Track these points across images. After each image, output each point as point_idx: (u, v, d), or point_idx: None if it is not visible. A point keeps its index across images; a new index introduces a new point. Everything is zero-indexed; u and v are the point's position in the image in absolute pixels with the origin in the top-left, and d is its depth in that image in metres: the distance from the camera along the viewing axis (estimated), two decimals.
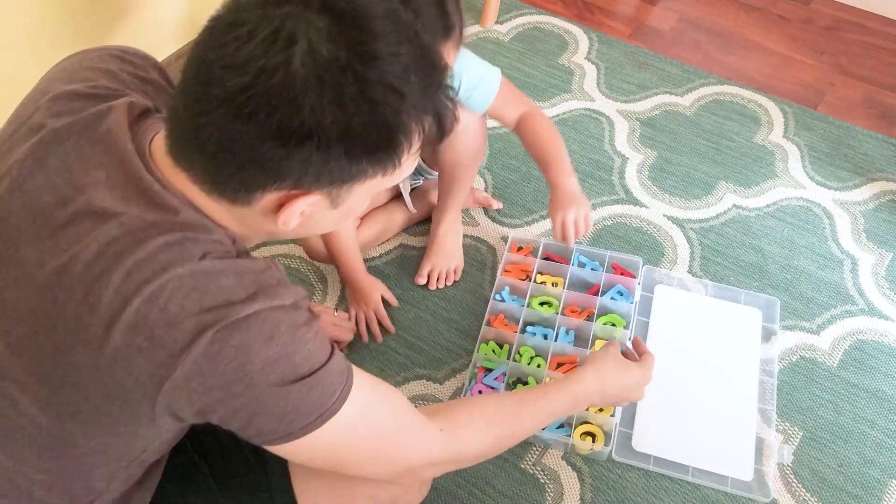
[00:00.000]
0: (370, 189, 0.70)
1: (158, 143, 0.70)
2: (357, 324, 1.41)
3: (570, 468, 1.26)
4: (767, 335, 1.40)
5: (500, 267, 1.48)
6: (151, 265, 0.64)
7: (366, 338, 1.41)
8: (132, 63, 0.80)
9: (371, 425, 0.76)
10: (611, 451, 1.25)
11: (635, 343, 1.12)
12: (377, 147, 0.65)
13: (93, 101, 0.72)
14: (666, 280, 1.47)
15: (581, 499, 1.23)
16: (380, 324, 1.42)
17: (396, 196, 1.55)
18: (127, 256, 0.64)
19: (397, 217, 1.55)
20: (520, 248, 1.52)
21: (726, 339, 1.40)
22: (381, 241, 1.55)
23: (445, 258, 1.49)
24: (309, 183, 0.65)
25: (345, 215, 0.73)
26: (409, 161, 0.70)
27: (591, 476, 1.25)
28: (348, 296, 1.45)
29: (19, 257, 0.67)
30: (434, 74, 0.67)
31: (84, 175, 0.68)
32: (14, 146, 0.72)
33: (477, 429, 0.88)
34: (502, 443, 0.91)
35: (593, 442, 1.25)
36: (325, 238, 1.37)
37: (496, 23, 2.07)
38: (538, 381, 1.32)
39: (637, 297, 1.43)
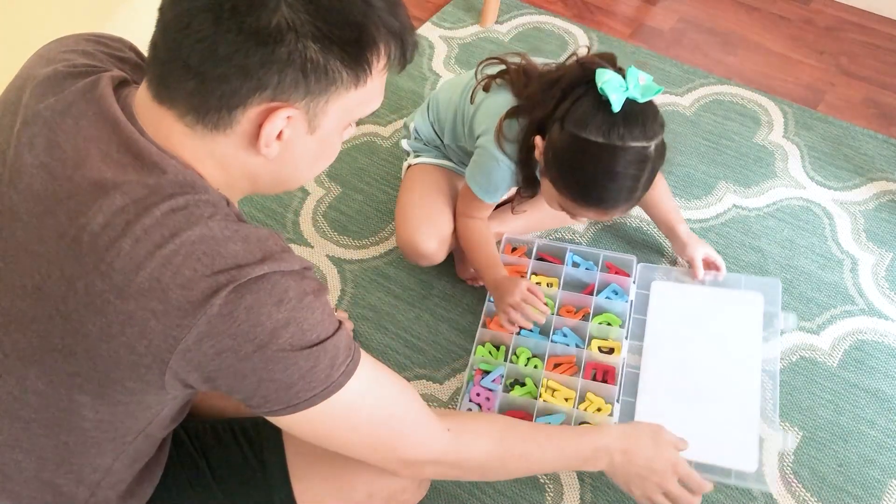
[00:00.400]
0: (345, 110, 0.72)
1: (141, 98, 0.71)
2: (513, 320, 1.30)
3: None
4: (770, 319, 1.38)
5: None
6: (161, 230, 0.65)
7: (529, 324, 1.32)
8: (107, 45, 0.82)
9: (375, 407, 0.78)
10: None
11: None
12: (349, 43, 0.67)
13: (72, 79, 0.74)
14: (663, 275, 1.47)
15: (581, 499, 1.23)
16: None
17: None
18: (135, 224, 0.65)
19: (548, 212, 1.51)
20: (514, 249, 1.52)
21: (728, 326, 1.38)
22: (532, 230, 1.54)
23: (703, 245, 1.46)
24: (288, 92, 0.66)
25: (322, 149, 0.75)
26: (379, 82, 0.73)
27: (591, 476, 1.25)
28: (495, 302, 1.35)
29: (16, 238, 0.68)
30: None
31: (75, 150, 0.69)
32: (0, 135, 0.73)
33: (485, 439, 0.89)
34: (509, 464, 0.91)
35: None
36: (467, 248, 1.38)
37: (496, 23, 2.07)
38: (536, 383, 1.31)
39: (632, 296, 1.43)
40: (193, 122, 0.68)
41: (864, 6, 2.11)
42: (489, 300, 1.42)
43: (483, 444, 0.88)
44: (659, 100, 1.84)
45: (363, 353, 0.77)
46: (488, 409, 1.28)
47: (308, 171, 0.78)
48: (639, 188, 1.14)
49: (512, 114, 1.23)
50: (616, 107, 1.09)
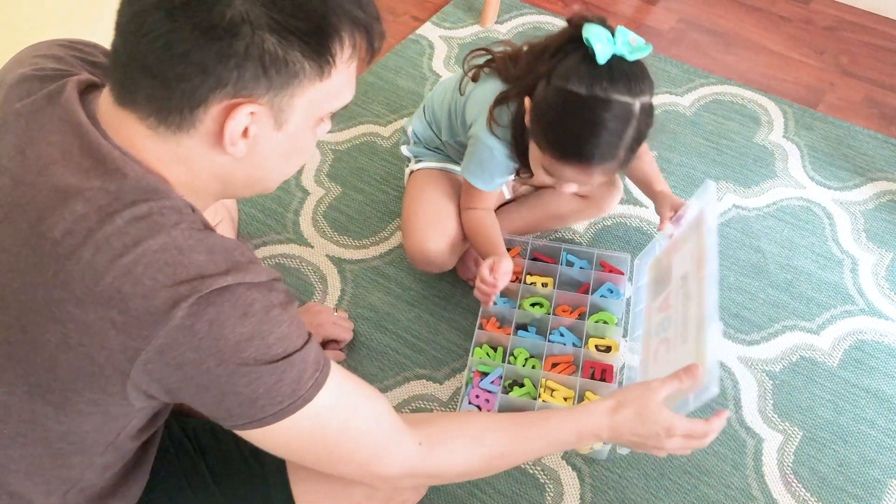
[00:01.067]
0: (313, 104, 0.70)
1: (104, 102, 0.70)
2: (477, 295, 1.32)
3: (570, 468, 1.26)
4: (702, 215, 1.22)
5: None
6: (123, 239, 0.64)
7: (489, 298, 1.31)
8: (80, 49, 0.81)
9: (344, 422, 0.76)
10: (610, 450, 1.25)
11: (716, 415, 0.94)
12: (309, 34, 0.65)
13: (40, 83, 0.73)
14: (649, 254, 1.40)
15: (581, 499, 1.23)
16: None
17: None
18: (97, 232, 0.64)
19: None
20: (508, 250, 1.51)
21: (686, 261, 1.20)
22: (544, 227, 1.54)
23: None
24: (249, 87, 0.65)
25: (292, 146, 0.73)
26: (346, 74, 0.70)
27: (591, 476, 1.25)
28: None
29: None
30: None
31: (39, 155, 0.68)
32: None
33: (460, 446, 0.86)
34: (494, 463, 0.88)
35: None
36: (471, 238, 1.37)
37: (496, 23, 2.07)
38: (534, 383, 1.31)
39: (627, 294, 1.43)
40: (156, 124, 0.67)
41: (864, 6, 2.11)
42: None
43: (459, 454, 0.85)
44: (659, 100, 1.85)
45: (333, 366, 0.75)
46: (488, 410, 1.28)
47: (280, 170, 0.76)
48: (621, 146, 1.11)
49: (501, 100, 1.23)
50: (601, 59, 1.07)
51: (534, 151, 1.21)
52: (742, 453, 1.28)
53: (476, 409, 1.28)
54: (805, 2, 2.15)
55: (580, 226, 1.59)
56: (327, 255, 1.56)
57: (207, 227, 0.70)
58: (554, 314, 1.40)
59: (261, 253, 1.55)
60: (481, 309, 1.41)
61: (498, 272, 1.27)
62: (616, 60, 1.08)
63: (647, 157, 1.42)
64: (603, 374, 1.32)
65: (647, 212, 1.62)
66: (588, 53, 1.09)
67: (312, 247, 1.57)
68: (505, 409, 1.28)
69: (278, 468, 0.92)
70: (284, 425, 0.71)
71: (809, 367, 1.38)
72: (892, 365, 1.39)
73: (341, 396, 0.75)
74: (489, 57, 1.29)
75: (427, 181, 1.45)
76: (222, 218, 1.31)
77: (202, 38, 0.62)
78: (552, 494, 1.23)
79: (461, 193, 1.42)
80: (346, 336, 1.39)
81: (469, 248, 1.47)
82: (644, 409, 0.93)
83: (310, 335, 0.73)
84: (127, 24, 0.65)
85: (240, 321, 0.65)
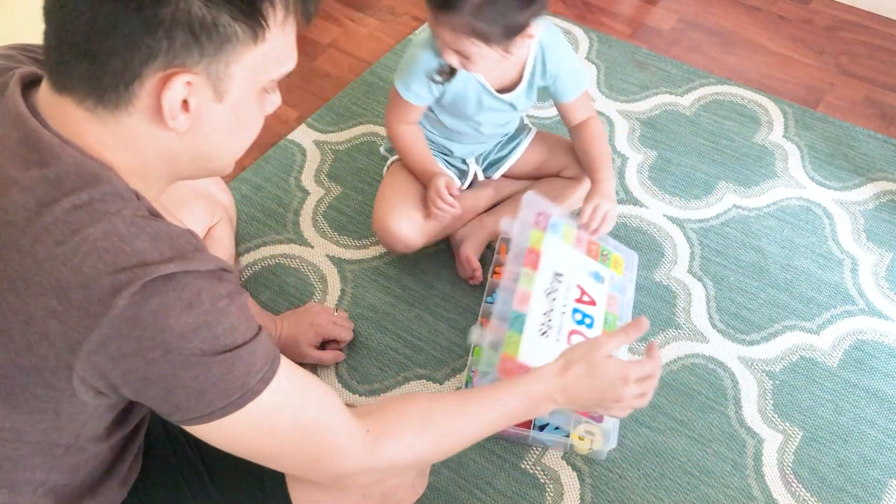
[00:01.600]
0: (252, 72, 0.68)
1: (42, 91, 0.69)
2: (432, 215, 1.41)
3: (570, 468, 1.26)
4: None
5: (490, 269, 1.47)
6: (62, 228, 0.63)
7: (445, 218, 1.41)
8: (32, 51, 0.80)
9: (293, 416, 0.74)
10: (609, 450, 1.25)
11: (648, 348, 0.96)
12: None
13: None
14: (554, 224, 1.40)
15: (581, 499, 1.23)
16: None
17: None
18: (35, 222, 0.63)
19: (480, 198, 1.55)
20: (507, 251, 1.50)
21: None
22: (449, 231, 1.53)
23: (607, 200, 1.40)
24: (181, 56, 0.64)
25: (238, 118, 0.71)
26: (283, 38, 0.69)
27: (591, 476, 1.25)
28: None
29: None
30: None
31: None
32: None
33: (407, 432, 0.83)
34: (446, 442, 0.86)
35: (592, 442, 1.25)
36: (401, 154, 1.44)
37: None
38: None
39: (630, 294, 1.41)
40: (94, 105, 0.66)
41: (864, 6, 2.11)
42: (486, 301, 1.42)
43: (406, 439, 0.83)
44: (659, 100, 1.85)
45: (283, 360, 0.73)
46: None
47: (227, 145, 0.74)
48: None
49: None
50: None
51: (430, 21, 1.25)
52: (742, 453, 1.28)
53: None
54: (805, 2, 2.15)
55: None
56: (327, 255, 1.56)
57: (154, 215, 0.68)
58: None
59: (261, 253, 1.55)
60: (481, 308, 1.41)
61: (454, 190, 1.36)
62: None
63: (599, 130, 1.46)
64: None
65: (646, 212, 1.63)
66: None
67: (312, 247, 1.57)
68: None
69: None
70: (234, 419, 0.69)
71: (809, 367, 1.38)
72: (892, 365, 1.39)
73: (291, 390, 0.74)
74: None
75: (400, 169, 1.49)
76: (220, 218, 1.31)
77: (126, 9, 0.61)
78: (552, 494, 1.23)
79: (387, 106, 1.46)
80: (347, 336, 1.39)
81: (464, 246, 1.47)
82: (592, 363, 0.91)
83: (260, 328, 0.71)
84: (52, 6, 0.64)
85: (185, 311, 0.64)
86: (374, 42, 2.04)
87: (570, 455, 1.27)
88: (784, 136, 1.78)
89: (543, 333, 1.23)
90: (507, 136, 1.54)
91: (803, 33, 2.06)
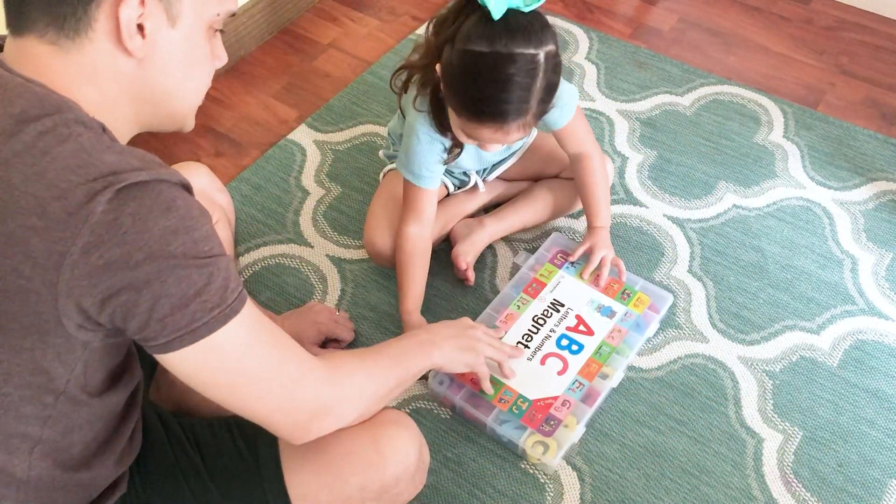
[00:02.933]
0: (202, 2, 0.72)
1: (6, 44, 0.72)
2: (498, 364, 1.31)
3: (570, 468, 1.26)
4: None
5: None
6: (31, 151, 0.65)
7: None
8: None
9: (267, 338, 0.78)
10: (558, 463, 1.24)
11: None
12: None
13: None
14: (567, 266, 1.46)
15: (581, 499, 1.23)
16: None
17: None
18: (4, 151, 0.65)
19: (463, 206, 1.54)
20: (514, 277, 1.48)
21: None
22: (446, 231, 1.53)
23: (609, 249, 1.44)
24: None
25: (191, 51, 0.75)
26: None
27: (591, 476, 1.25)
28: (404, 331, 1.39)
29: None
30: None
31: None
32: None
33: (355, 363, 0.92)
34: (382, 376, 0.95)
35: (544, 452, 1.23)
36: (402, 263, 1.36)
37: None
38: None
39: (650, 333, 1.39)
40: (55, 36, 0.69)
41: (864, 6, 2.11)
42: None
43: (356, 373, 0.91)
44: (659, 100, 1.85)
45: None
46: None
47: (184, 77, 0.76)
48: (531, 98, 1.12)
49: (409, 79, 1.25)
50: (496, 14, 1.06)
51: (452, 118, 1.22)
52: (742, 453, 1.28)
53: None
54: (805, 2, 2.15)
55: (580, 225, 1.59)
56: (327, 255, 1.56)
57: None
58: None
59: (261, 253, 1.55)
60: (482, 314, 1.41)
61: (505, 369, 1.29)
62: (512, 14, 1.08)
63: (600, 175, 1.43)
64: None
65: (646, 212, 1.63)
66: (485, 12, 1.09)
67: (312, 247, 1.57)
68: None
69: (273, 461, 0.93)
70: (215, 339, 0.71)
71: (809, 367, 1.38)
72: (892, 365, 1.39)
73: (260, 316, 0.77)
74: (406, 73, 1.29)
75: (395, 181, 1.46)
76: (219, 219, 1.31)
77: None
78: (552, 494, 1.23)
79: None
80: (348, 336, 1.39)
81: (458, 246, 1.48)
82: (452, 323, 1.18)
83: (226, 254, 0.73)
84: None
85: (163, 214, 0.66)
86: (374, 42, 2.04)
87: (570, 455, 1.27)
88: (784, 136, 1.78)
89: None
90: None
91: (803, 33, 2.06)
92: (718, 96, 1.87)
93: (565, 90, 1.32)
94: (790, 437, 1.30)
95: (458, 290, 1.50)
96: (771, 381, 1.36)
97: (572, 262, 1.46)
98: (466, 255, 1.47)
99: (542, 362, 1.31)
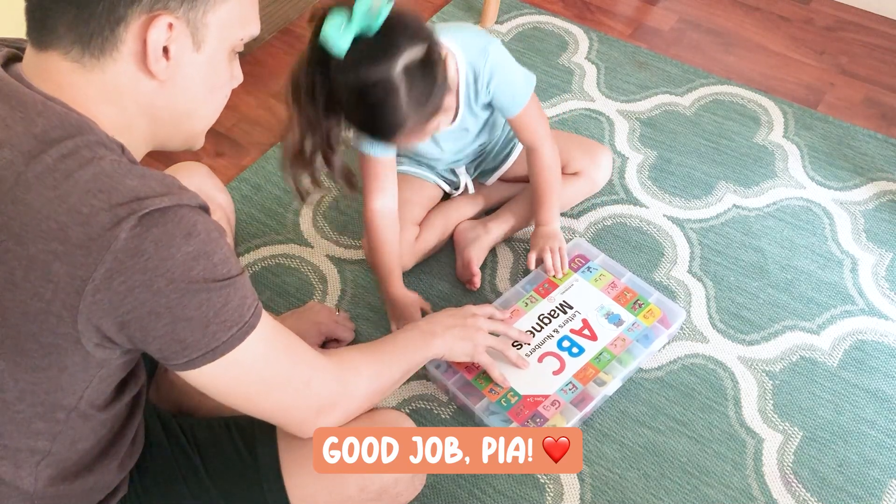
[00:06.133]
0: (225, 27, 0.73)
1: (26, 57, 0.72)
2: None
3: None
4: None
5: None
6: (53, 175, 0.65)
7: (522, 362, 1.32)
8: (7, 40, 0.82)
9: (281, 345, 0.80)
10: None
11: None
12: None
13: None
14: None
15: (581, 499, 1.23)
16: None
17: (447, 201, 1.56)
18: (26, 173, 0.65)
19: (463, 210, 1.54)
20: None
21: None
22: (447, 234, 1.53)
23: (552, 239, 1.45)
24: (164, 1, 0.68)
25: (213, 74, 0.75)
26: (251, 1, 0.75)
27: (591, 476, 1.25)
28: (388, 313, 1.43)
29: None
30: None
31: None
32: None
33: (360, 360, 0.95)
34: (387, 372, 0.98)
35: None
36: (373, 246, 1.36)
37: (496, 23, 2.07)
38: None
39: (658, 347, 1.38)
40: (80, 54, 0.69)
41: (864, 6, 2.11)
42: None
43: (362, 370, 0.93)
44: (659, 100, 1.85)
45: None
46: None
47: (204, 100, 0.77)
48: (400, 112, 1.06)
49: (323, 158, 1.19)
50: (340, 53, 1.00)
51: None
52: (742, 453, 1.28)
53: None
54: (805, 2, 2.15)
55: (580, 225, 1.59)
56: (327, 255, 1.56)
57: (135, 164, 0.71)
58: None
59: (261, 253, 1.55)
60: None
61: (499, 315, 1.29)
62: (360, 39, 1.02)
63: (540, 174, 1.42)
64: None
65: (646, 212, 1.63)
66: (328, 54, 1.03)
67: (312, 247, 1.57)
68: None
69: (272, 463, 0.93)
70: (235, 354, 0.73)
71: (809, 367, 1.38)
72: (892, 365, 1.39)
73: (274, 324, 0.80)
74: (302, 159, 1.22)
75: (399, 186, 1.45)
76: (218, 219, 1.31)
77: None
78: (552, 494, 1.23)
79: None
80: (348, 336, 1.39)
81: (468, 250, 1.48)
82: (451, 311, 1.18)
83: (243, 270, 0.75)
84: None
85: (185, 240, 0.66)
86: None
87: None
88: (784, 136, 1.78)
89: (517, 345, 1.33)
90: (498, 144, 1.53)
91: (803, 33, 2.06)
92: (718, 96, 1.87)
93: (518, 78, 1.30)
94: (790, 438, 1.30)
95: (458, 290, 1.50)
96: (771, 382, 1.36)
97: (546, 274, 1.45)
98: (479, 260, 1.48)
99: (540, 360, 1.32)
